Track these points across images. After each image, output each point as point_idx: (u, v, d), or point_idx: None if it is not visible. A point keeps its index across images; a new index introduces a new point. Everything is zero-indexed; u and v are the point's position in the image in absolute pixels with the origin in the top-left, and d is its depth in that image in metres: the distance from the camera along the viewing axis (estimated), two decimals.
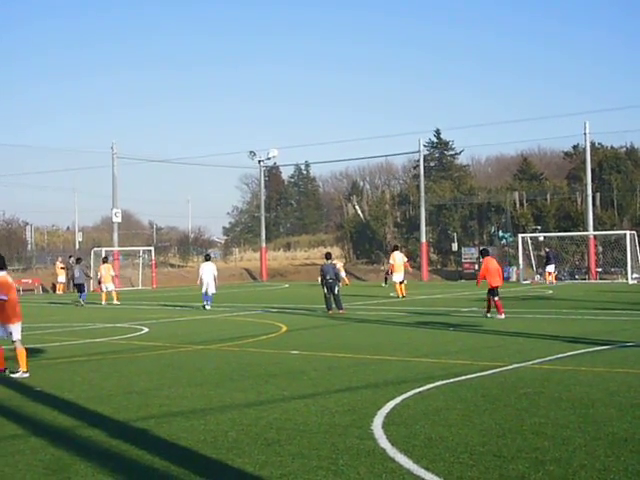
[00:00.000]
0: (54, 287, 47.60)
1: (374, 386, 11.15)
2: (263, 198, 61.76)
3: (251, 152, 57.26)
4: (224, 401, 10.39)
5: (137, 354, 15.86)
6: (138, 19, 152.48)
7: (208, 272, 28.30)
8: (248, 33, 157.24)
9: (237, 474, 6.99)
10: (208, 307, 27.88)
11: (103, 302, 33.18)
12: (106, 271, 34.32)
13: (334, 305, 25.00)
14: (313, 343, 17.23)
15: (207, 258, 30.14)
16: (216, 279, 28.58)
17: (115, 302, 33.38)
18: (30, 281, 47.87)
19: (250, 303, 31.08)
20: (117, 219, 50.97)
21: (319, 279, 26.44)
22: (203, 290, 28.30)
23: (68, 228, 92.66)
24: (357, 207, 64.28)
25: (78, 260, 35.77)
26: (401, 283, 31.74)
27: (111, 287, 34.17)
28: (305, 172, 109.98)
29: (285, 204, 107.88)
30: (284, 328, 20.42)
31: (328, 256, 26.33)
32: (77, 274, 33.88)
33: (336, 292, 25.08)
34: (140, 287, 48.83)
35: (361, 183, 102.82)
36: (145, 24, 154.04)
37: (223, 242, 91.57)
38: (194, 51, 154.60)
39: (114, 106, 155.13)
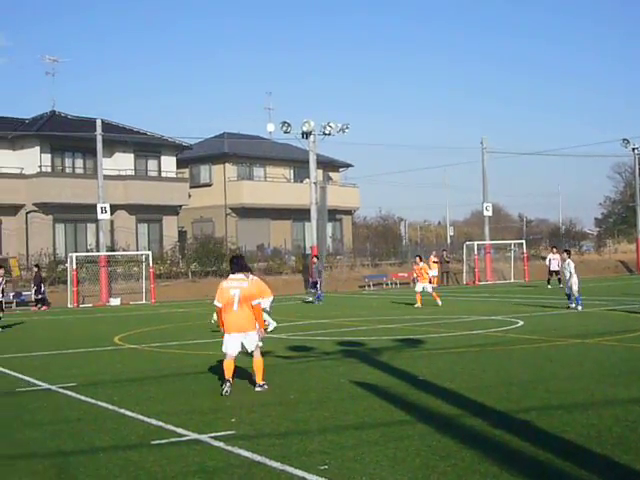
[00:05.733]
0: (429, 280, 49.02)
1: None
2: (638, 187, 58.89)
3: (624, 140, 54.94)
4: (606, 396, 10.16)
5: (514, 347, 15.94)
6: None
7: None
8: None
9: (624, 471, 6.84)
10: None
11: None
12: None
13: None
14: None
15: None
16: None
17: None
18: (406, 275, 49.68)
19: (627, 297, 29.82)
20: (488, 213, 51.31)
21: None
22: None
23: (439, 223, 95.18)
24: None
25: None
26: None
27: (429, 288, 29.44)
28: None
29: None
30: None
31: None
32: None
33: None
34: (512, 280, 48.80)
35: None
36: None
37: (595, 234, 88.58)
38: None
39: (482, 103, 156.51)
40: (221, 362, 11.82)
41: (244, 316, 11.29)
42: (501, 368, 13.01)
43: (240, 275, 11.62)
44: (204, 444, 8.18)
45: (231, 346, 11.30)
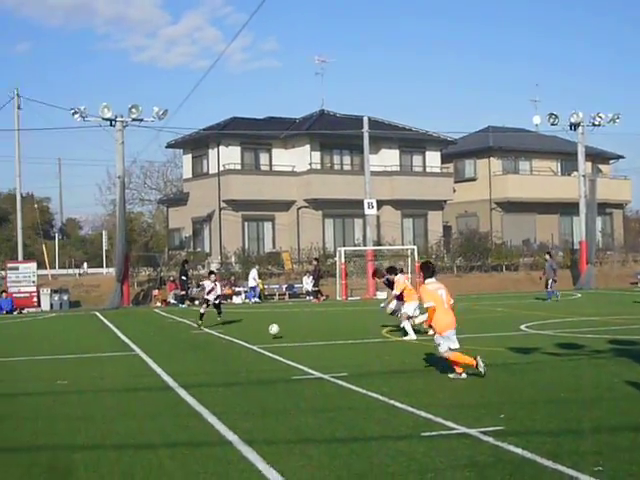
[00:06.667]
0: None
1: None
2: None
3: None
4: None
5: None
6: None
7: None
8: None
9: None
10: None
11: None
12: None
13: None
14: None
15: None
16: None
17: None
18: None
19: None
20: None
21: None
22: None
23: None
24: None
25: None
26: None
27: None
28: None
29: None
30: None
31: None
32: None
33: None
34: None
35: None
36: None
37: None
38: None
39: None
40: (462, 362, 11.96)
41: (452, 313, 12.36)
42: None
43: (434, 279, 12.72)
44: (473, 438, 8.21)
45: (453, 341, 12.22)
